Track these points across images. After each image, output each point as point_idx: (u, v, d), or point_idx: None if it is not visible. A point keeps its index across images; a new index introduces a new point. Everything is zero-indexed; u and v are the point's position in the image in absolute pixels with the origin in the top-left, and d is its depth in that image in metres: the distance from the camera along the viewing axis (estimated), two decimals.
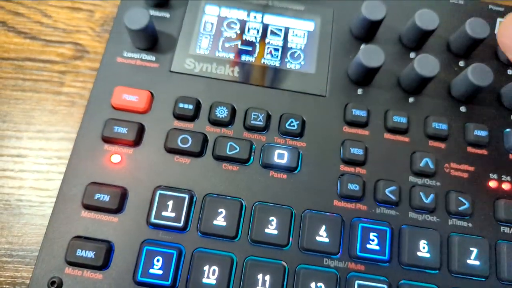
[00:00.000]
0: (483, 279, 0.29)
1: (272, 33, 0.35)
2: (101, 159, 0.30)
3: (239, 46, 0.34)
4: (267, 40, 0.34)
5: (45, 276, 0.27)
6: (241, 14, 0.35)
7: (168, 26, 0.34)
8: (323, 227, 0.29)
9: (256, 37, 0.34)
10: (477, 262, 0.29)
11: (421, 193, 0.30)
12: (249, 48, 0.34)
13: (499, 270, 0.29)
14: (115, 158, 0.30)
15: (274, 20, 0.35)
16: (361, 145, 0.31)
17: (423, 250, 0.29)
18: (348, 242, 0.29)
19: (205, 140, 0.31)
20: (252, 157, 0.31)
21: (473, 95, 0.33)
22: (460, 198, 0.30)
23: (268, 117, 0.32)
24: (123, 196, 0.29)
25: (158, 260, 0.27)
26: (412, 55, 0.35)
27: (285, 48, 0.34)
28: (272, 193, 0.30)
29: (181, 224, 0.29)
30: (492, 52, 0.35)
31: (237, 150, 0.30)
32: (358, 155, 0.31)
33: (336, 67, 0.33)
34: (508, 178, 0.32)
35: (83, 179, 0.29)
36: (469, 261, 0.29)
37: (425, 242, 0.29)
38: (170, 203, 0.29)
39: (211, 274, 0.27)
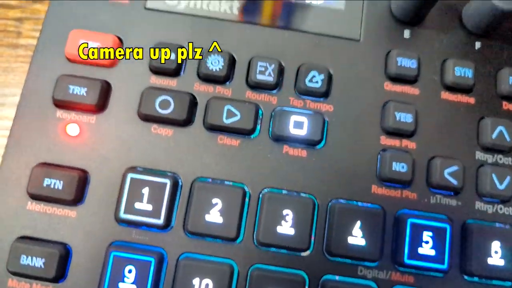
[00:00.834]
0: None
1: None
2: (53, 131, 0.27)
3: None
4: None
5: None
6: None
7: None
8: (358, 223, 0.26)
9: None
10: None
11: (493, 175, 0.27)
12: None
13: None
14: (72, 130, 0.27)
15: None
16: (409, 108, 0.28)
17: (495, 255, 0.26)
18: (392, 245, 0.26)
19: (193, 102, 0.28)
20: (258, 127, 0.28)
21: None
22: None
23: (281, 70, 0.28)
24: (82, 181, 0.26)
25: (130, 271, 0.24)
26: None
27: None
28: (286, 177, 0.27)
29: (161, 221, 0.25)
30: None
31: (238, 117, 0.27)
32: (405, 123, 0.27)
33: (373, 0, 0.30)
34: None
35: (28, 159, 0.26)
36: None
37: (499, 244, 0.26)
38: (146, 191, 0.26)
39: None
